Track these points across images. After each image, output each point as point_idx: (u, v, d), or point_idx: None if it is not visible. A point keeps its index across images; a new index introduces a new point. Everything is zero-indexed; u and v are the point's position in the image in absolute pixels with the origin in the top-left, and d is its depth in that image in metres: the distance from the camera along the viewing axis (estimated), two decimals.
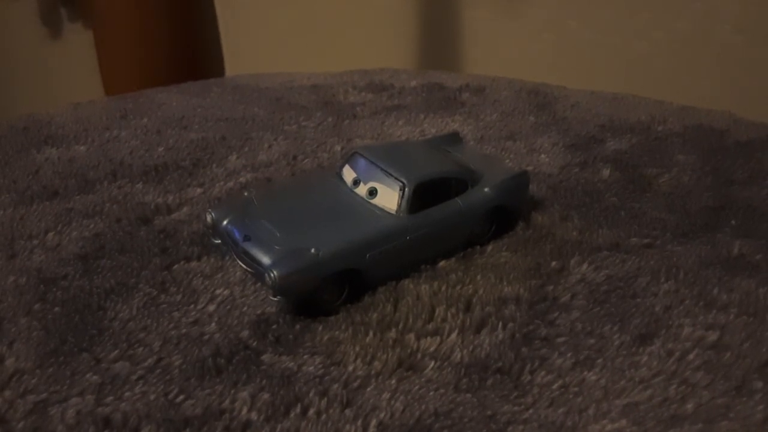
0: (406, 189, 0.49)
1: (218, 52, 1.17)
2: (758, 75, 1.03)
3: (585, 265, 0.52)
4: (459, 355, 0.44)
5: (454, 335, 0.45)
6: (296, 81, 0.87)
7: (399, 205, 0.49)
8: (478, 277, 0.50)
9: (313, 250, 0.46)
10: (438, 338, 0.45)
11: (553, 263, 0.52)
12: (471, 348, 0.44)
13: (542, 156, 0.68)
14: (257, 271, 0.47)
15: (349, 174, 0.52)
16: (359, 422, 0.39)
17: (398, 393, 0.41)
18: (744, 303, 0.48)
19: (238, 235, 0.48)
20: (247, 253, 0.47)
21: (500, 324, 0.46)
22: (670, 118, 0.76)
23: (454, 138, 0.61)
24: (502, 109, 0.78)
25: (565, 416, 0.40)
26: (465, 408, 0.41)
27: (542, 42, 1.16)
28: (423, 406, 0.41)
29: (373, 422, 0.39)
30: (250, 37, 1.35)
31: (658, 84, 0.91)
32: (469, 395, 0.41)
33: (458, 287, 0.49)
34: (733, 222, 0.58)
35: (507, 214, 0.55)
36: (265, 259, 0.46)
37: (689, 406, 0.40)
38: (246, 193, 0.52)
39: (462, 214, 0.52)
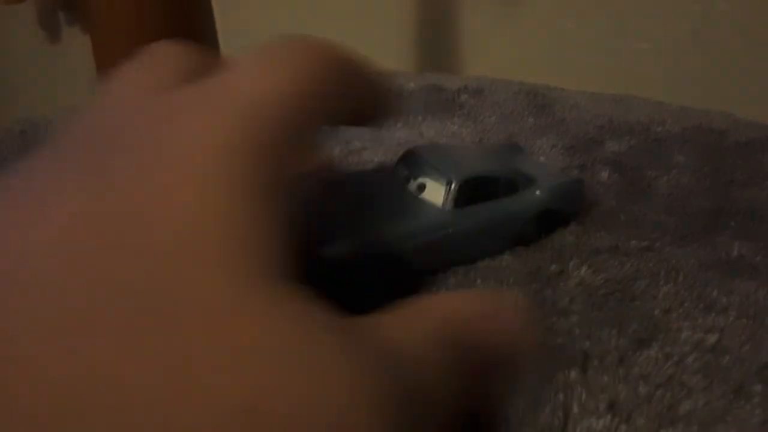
0: (453, 184, 0.49)
1: (216, 56, 1.17)
2: (758, 75, 1.03)
3: (584, 268, 0.52)
4: None
5: None
6: None
7: (445, 199, 0.50)
8: (478, 281, 0.50)
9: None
10: None
11: (552, 267, 0.52)
12: None
13: (541, 158, 0.68)
14: None
15: (401, 170, 0.53)
16: None
17: None
18: (743, 305, 0.48)
19: None
20: None
21: None
22: (669, 119, 0.76)
23: (514, 147, 0.61)
24: (500, 110, 0.78)
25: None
26: None
27: (540, 43, 1.16)
28: None
29: None
30: (249, 41, 1.35)
31: (656, 85, 0.91)
32: None
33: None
34: (732, 224, 0.58)
35: (559, 219, 0.55)
36: None
37: (686, 409, 0.40)
38: None
39: (509, 214, 0.52)
